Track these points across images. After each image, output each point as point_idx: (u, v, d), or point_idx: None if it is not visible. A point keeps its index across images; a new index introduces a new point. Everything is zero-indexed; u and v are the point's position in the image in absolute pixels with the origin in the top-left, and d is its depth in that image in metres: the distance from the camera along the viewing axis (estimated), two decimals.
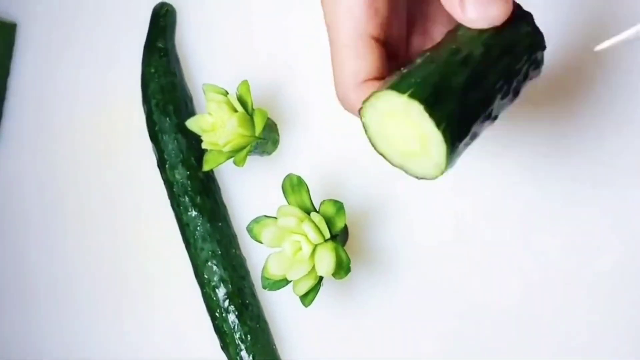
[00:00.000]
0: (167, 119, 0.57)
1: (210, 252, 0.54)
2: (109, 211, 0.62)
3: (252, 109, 0.52)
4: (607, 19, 0.48)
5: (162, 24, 0.60)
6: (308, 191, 0.49)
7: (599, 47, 0.35)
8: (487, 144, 0.50)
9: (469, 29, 0.36)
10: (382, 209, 0.52)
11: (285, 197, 0.49)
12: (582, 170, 0.48)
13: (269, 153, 0.56)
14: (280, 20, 0.58)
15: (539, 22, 0.37)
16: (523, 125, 0.50)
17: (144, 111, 0.59)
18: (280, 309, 0.55)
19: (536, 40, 0.37)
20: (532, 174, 0.49)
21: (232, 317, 0.53)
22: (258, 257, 0.55)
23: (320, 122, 0.55)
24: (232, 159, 0.52)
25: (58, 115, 0.65)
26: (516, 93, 0.37)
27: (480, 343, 0.49)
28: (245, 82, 0.52)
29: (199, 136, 0.53)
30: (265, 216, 0.49)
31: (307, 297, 0.48)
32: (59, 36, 0.66)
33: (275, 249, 0.48)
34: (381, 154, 0.37)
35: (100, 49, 0.64)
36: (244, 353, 0.52)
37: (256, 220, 0.49)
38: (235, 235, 0.56)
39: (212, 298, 0.54)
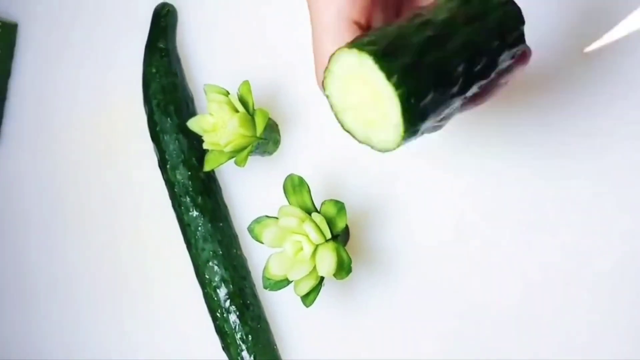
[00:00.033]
0: (168, 119, 0.57)
1: (211, 253, 0.54)
2: (109, 211, 0.62)
3: (253, 109, 0.52)
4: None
5: (163, 24, 0.60)
6: (309, 191, 0.49)
7: (588, 49, 0.35)
8: (488, 144, 0.50)
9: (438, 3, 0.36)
10: (383, 209, 0.52)
11: (287, 198, 0.49)
12: (583, 171, 0.48)
13: (270, 153, 0.56)
14: (281, 21, 0.58)
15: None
16: (524, 125, 0.50)
17: (145, 111, 0.59)
18: (281, 309, 0.55)
19: (510, 12, 0.37)
20: (532, 174, 0.49)
21: (233, 318, 0.53)
22: (259, 257, 0.55)
23: (321, 123, 0.55)
24: (233, 159, 0.52)
25: (59, 115, 0.65)
26: (492, 67, 0.36)
27: (480, 343, 0.49)
28: (246, 83, 0.52)
29: (200, 136, 0.53)
30: (267, 216, 0.49)
31: (308, 297, 0.48)
32: (60, 36, 0.66)
33: (277, 249, 0.48)
34: (347, 131, 0.36)
35: (101, 49, 0.64)
36: (245, 353, 0.52)
37: (257, 221, 0.49)
38: (237, 236, 0.56)
39: (213, 298, 0.54)
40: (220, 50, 0.60)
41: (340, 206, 0.48)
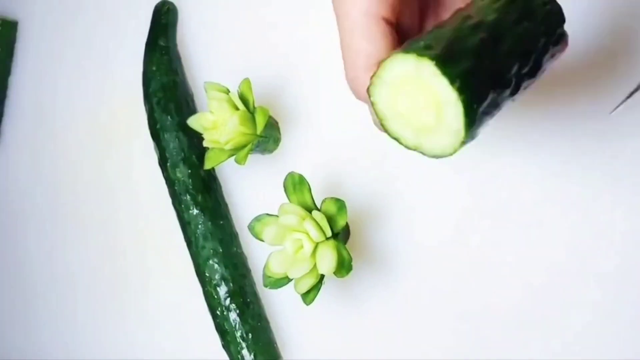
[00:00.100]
0: (169, 117, 0.57)
1: (211, 251, 0.54)
2: (109, 210, 0.62)
3: (254, 107, 0.52)
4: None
5: (163, 22, 0.60)
6: (309, 189, 0.49)
7: (613, 111, 0.34)
8: (489, 144, 0.50)
9: (480, 2, 0.35)
10: (384, 208, 0.52)
11: (287, 196, 0.49)
12: (585, 171, 0.48)
13: (271, 151, 0.56)
14: (282, 19, 0.58)
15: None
16: (526, 125, 0.50)
17: (145, 109, 0.59)
18: (282, 308, 0.55)
19: (553, 11, 0.37)
20: (534, 174, 0.49)
21: (233, 316, 0.53)
22: (259, 255, 0.55)
23: (322, 121, 0.55)
24: (234, 157, 0.52)
25: (59, 113, 0.65)
26: (537, 67, 0.36)
27: (481, 342, 0.49)
28: (246, 80, 0.52)
29: (201, 134, 0.53)
30: (267, 214, 0.49)
31: (308, 296, 0.48)
32: (60, 34, 0.66)
33: (277, 247, 0.48)
34: (395, 138, 0.35)
35: (101, 47, 0.64)
36: (245, 352, 0.52)
37: (257, 219, 0.49)
38: (237, 234, 0.56)
39: (214, 296, 0.54)
40: (220, 48, 0.60)
41: (340, 204, 0.48)
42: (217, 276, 0.54)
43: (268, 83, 0.57)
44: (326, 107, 0.55)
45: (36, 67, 0.67)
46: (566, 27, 0.37)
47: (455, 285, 0.50)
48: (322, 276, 0.47)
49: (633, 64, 0.47)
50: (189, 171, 0.56)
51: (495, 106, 0.34)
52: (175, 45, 0.60)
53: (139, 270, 0.60)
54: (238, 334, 0.53)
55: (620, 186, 0.47)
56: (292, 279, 0.47)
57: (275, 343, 0.54)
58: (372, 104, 0.35)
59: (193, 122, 0.53)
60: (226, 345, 0.53)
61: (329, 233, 0.47)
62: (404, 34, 0.39)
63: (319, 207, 0.48)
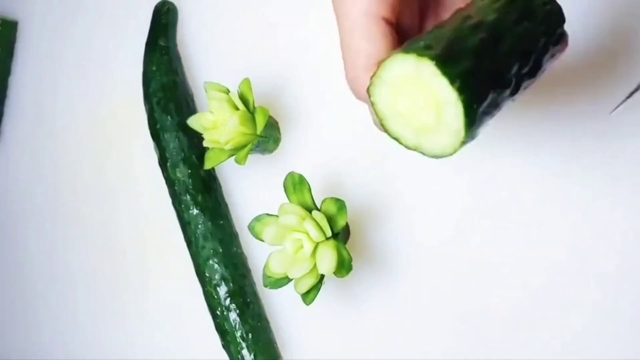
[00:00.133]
0: (169, 117, 0.57)
1: (211, 251, 0.54)
2: (109, 210, 0.62)
3: (254, 107, 0.52)
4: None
5: (163, 22, 0.60)
6: (309, 189, 0.48)
7: (613, 111, 0.34)
8: (489, 144, 0.50)
9: (480, 2, 0.36)
10: (384, 208, 0.52)
11: (287, 196, 0.49)
12: (585, 171, 0.48)
13: (271, 151, 0.56)
14: (282, 19, 0.58)
15: None
16: (526, 125, 0.50)
17: (145, 109, 0.59)
18: (282, 308, 0.55)
19: (553, 11, 0.37)
20: (534, 174, 0.49)
21: (233, 316, 0.53)
22: (259, 255, 0.55)
23: (322, 121, 0.55)
24: (234, 157, 0.52)
25: (59, 113, 0.65)
26: (537, 67, 0.36)
27: (481, 342, 0.49)
28: (246, 80, 0.52)
29: (201, 134, 0.53)
30: (267, 214, 0.49)
31: (308, 296, 0.47)
32: (60, 34, 0.66)
33: (277, 247, 0.48)
34: (395, 138, 0.35)
35: (101, 46, 0.64)
36: (245, 352, 0.52)
37: (257, 219, 0.49)
38: (237, 234, 0.56)
39: (214, 296, 0.54)
40: (220, 48, 0.60)
41: (340, 204, 0.48)
42: (217, 276, 0.54)
43: (268, 83, 0.57)
44: (326, 107, 0.55)
45: (36, 67, 0.67)
46: (566, 27, 0.37)
47: (455, 285, 0.50)
48: (322, 276, 0.47)
49: (633, 64, 0.47)
50: (189, 171, 0.56)
51: (495, 106, 0.34)
52: (175, 45, 0.60)
53: (139, 270, 0.60)
54: (238, 334, 0.53)
55: (621, 186, 0.47)
56: (292, 279, 0.47)
57: (275, 343, 0.54)
58: (372, 104, 0.35)
59: (193, 122, 0.53)
60: (226, 345, 0.53)
61: (329, 233, 0.47)
62: (404, 34, 0.39)
63: (319, 207, 0.48)
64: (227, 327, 0.53)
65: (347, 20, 0.37)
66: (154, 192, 0.59)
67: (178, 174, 0.56)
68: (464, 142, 0.33)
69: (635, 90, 0.34)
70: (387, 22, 0.37)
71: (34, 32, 0.67)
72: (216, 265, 0.54)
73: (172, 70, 0.58)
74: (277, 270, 0.48)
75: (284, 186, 0.49)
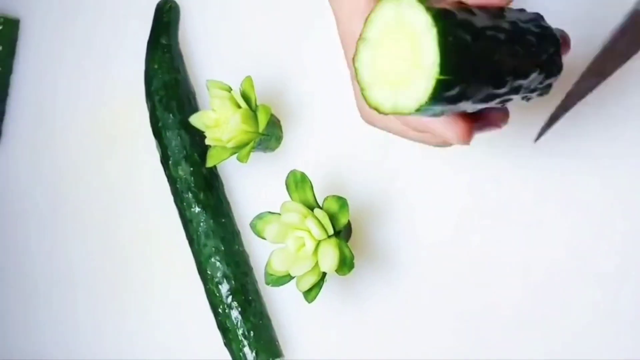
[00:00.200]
0: (171, 115, 0.57)
1: (213, 249, 0.54)
2: (111, 208, 0.62)
3: (256, 105, 0.52)
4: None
5: (165, 20, 0.60)
6: (311, 187, 0.49)
7: (537, 140, 0.34)
8: (489, 144, 0.50)
9: None
10: (386, 206, 0.52)
11: (289, 193, 0.49)
12: (585, 171, 0.48)
13: (273, 149, 0.56)
14: (284, 17, 0.58)
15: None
16: (526, 124, 0.50)
17: (148, 107, 0.59)
18: (283, 305, 0.55)
19: (549, 34, 0.37)
20: (534, 174, 0.49)
21: (235, 314, 0.53)
22: (261, 253, 0.55)
23: (324, 119, 0.55)
24: (236, 155, 0.52)
25: (60, 111, 0.65)
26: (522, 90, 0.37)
27: (481, 342, 0.49)
28: (248, 78, 0.52)
29: (203, 132, 0.53)
30: (269, 212, 0.49)
31: (310, 293, 0.47)
32: (62, 32, 0.66)
33: (279, 245, 0.48)
34: (374, 106, 0.34)
35: (103, 45, 0.64)
36: (247, 349, 0.52)
37: (259, 217, 0.49)
38: (239, 232, 0.56)
39: (216, 294, 0.54)
40: (222, 46, 0.60)
41: (342, 202, 0.48)
42: (218, 274, 0.54)
43: (270, 81, 0.57)
44: (328, 106, 0.55)
45: (38, 65, 0.67)
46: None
47: (456, 284, 0.50)
48: (324, 274, 0.47)
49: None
50: (191, 169, 0.56)
51: (479, 91, 0.34)
52: (177, 43, 0.60)
53: (141, 268, 0.60)
54: (240, 331, 0.53)
55: (621, 186, 0.47)
56: (294, 277, 0.47)
57: (277, 341, 0.54)
58: (356, 72, 0.34)
59: (195, 120, 0.53)
60: (228, 343, 0.53)
61: (330, 231, 0.47)
62: None
63: (321, 205, 0.48)
64: (228, 325, 0.53)
65: (345, 5, 0.37)
66: (155, 190, 0.59)
67: (180, 172, 0.56)
68: (440, 82, 0.32)
69: (556, 116, 0.34)
70: None
71: (35, 30, 0.67)
72: (218, 263, 0.54)
73: (174, 68, 0.58)
74: (279, 268, 0.48)
75: (286, 184, 0.49)
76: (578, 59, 0.39)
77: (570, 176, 0.48)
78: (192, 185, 0.56)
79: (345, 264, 0.47)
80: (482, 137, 0.45)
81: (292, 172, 0.48)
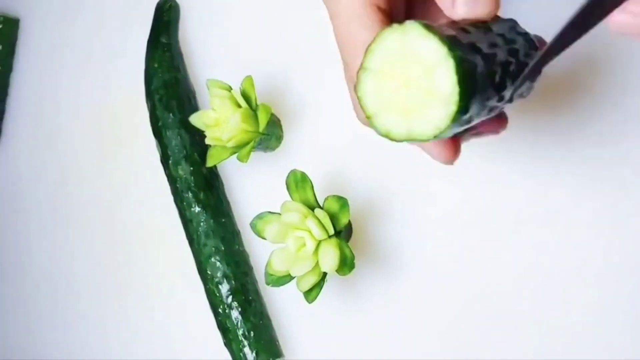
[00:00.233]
0: (171, 114, 0.57)
1: (213, 248, 0.54)
2: (111, 207, 0.62)
3: (256, 105, 0.52)
4: None
5: (165, 19, 0.60)
6: (312, 187, 0.48)
7: (514, 94, 0.34)
8: (489, 144, 0.50)
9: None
10: (387, 206, 0.52)
11: (289, 193, 0.49)
12: (585, 171, 0.48)
13: (273, 149, 0.56)
14: (284, 16, 0.58)
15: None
16: (525, 123, 0.50)
17: (148, 107, 0.59)
18: (284, 306, 0.55)
19: (527, 38, 0.38)
20: (534, 173, 0.49)
21: (235, 314, 0.53)
22: (261, 253, 0.55)
23: (324, 118, 0.55)
24: (236, 154, 0.52)
25: (60, 111, 0.65)
26: (521, 71, 0.36)
27: (481, 342, 0.49)
28: (249, 78, 0.52)
29: (203, 132, 0.53)
30: (269, 212, 0.49)
31: (310, 294, 0.47)
32: (62, 31, 0.66)
33: (279, 245, 0.48)
34: (384, 134, 0.33)
35: (103, 44, 0.64)
36: (247, 349, 0.52)
37: (260, 216, 0.49)
38: (239, 232, 0.56)
39: (216, 294, 0.54)
40: (222, 45, 0.60)
41: (343, 202, 0.48)
42: (219, 274, 0.54)
43: (270, 80, 0.57)
44: (329, 105, 0.55)
45: (38, 64, 0.67)
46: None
47: (457, 284, 0.50)
48: (325, 274, 0.47)
49: (615, 70, 0.47)
50: (191, 169, 0.56)
51: (483, 102, 0.33)
52: (177, 42, 0.60)
53: (141, 268, 0.60)
54: (240, 332, 0.52)
55: (621, 186, 0.47)
56: (294, 277, 0.47)
57: (277, 341, 0.54)
58: (359, 101, 0.33)
59: (195, 119, 0.53)
60: (228, 343, 0.53)
61: (331, 231, 0.47)
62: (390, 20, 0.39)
63: (321, 205, 0.48)
64: (228, 325, 0.53)
65: (342, 10, 0.37)
66: (155, 189, 0.59)
67: (180, 172, 0.56)
68: (458, 109, 0.31)
69: (529, 70, 0.34)
70: (381, 10, 0.37)
71: (35, 30, 0.67)
72: (218, 263, 0.54)
73: (174, 67, 0.58)
74: (279, 268, 0.47)
75: (287, 184, 0.49)
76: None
77: (571, 176, 0.48)
78: (192, 184, 0.55)
79: (346, 264, 0.47)
80: (482, 140, 0.46)
81: (293, 172, 0.48)
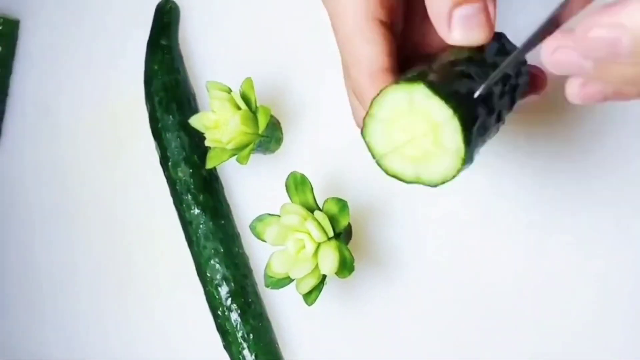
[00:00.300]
0: (170, 116, 0.57)
1: (213, 251, 0.54)
2: (110, 209, 0.62)
3: (256, 107, 0.52)
4: None
5: (165, 21, 0.60)
6: (312, 189, 0.48)
7: (477, 94, 0.35)
8: (490, 143, 0.50)
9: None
10: (386, 208, 0.52)
11: (289, 195, 0.49)
12: (584, 171, 0.48)
13: (272, 151, 0.56)
14: (284, 18, 0.58)
15: None
16: (525, 123, 0.50)
17: (147, 108, 0.59)
18: (283, 308, 0.55)
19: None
20: (534, 174, 0.49)
21: (234, 316, 0.53)
22: (261, 255, 0.55)
23: (324, 120, 0.55)
24: (235, 156, 0.52)
25: (61, 112, 0.65)
26: (513, 101, 0.38)
27: (481, 342, 0.49)
28: (248, 80, 0.52)
29: (202, 134, 0.53)
30: (269, 214, 0.49)
31: (310, 296, 0.47)
32: (62, 33, 0.66)
33: (279, 247, 0.48)
34: (393, 175, 0.35)
35: (103, 45, 0.64)
36: (246, 352, 0.52)
37: (259, 219, 0.49)
38: (238, 234, 0.56)
39: (215, 296, 0.54)
40: (222, 47, 0.59)
41: (342, 204, 0.48)
42: (218, 276, 0.54)
43: (270, 82, 0.56)
44: (328, 107, 0.55)
45: (37, 65, 0.67)
46: None
47: (457, 284, 0.50)
48: (324, 276, 0.47)
49: None
50: (191, 171, 0.56)
51: (486, 130, 0.35)
52: (177, 44, 0.60)
53: (140, 269, 0.60)
54: (239, 334, 0.52)
55: (621, 185, 0.47)
56: (293, 279, 0.47)
57: (277, 343, 0.54)
58: (367, 145, 0.35)
59: (195, 121, 0.53)
60: (227, 346, 0.53)
61: (331, 233, 0.47)
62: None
63: (321, 207, 0.48)
64: (228, 328, 0.53)
65: (344, 24, 0.37)
66: (155, 191, 0.59)
67: (179, 174, 0.56)
68: (464, 162, 0.33)
69: (496, 75, 0.35)
70: (383, 23, 0.37)
71: (35, 31, 0.67)
72: (217, 265, 0.54)
73: (174, 69, 0.58)
74: (278, 271, 0.47)
75: (286, 186, 0.49)
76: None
77: (571, 176, 0.48)
78: (192, 186, 0.55)
79: (346, 267, 0.47)
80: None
81: (292, 174, 0.48)
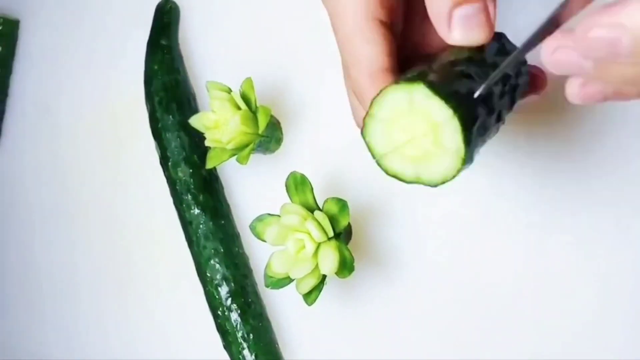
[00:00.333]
0: (170, 116, 0.57)
1: (212, 251, 0.54)
2: (110, 209, 0.62)
3: (256, 107, 0.52)
4: None
5: (165, 21, 0.60)
6: (312, 189, 0.48)
7: (477, 94, 0.35)
8: (490, 143, 0.50)
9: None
10: (386, 208, 0.52)
11: (289, 195, 0.49)
12: (584, 171, 0.48)
13: (272, 151, 0.56)
14: (284, 18, 0.58)
15: None
16: (525, 123, 0.50)
17: (147, 108, 0.59)
18: (283, 308, 0.55)
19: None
20: (534, 174, 0.49)
21: (234, 316, 0.53)
22: (261, 255, 0.55)
23: (324, 120, 0.55)
24: (235, 156, 0.52)
25: (61, 112, 0.65)
26: (512, 101, 0.38)
27: (481, 343, 0.49)
28: (248, 80, 0.52)
29: (202, 134, 0.53)
30: (269, 214, 0.49)
31: (310, 296, 0.47)
32: (62, 33, 0.66)
33: (279, 247, 0.48)
34: (393, 175, 0.35)
35: (103, 45, 0.64)
36: (246, 352, 0.52)
37: (259, 219, 0.49)
38: (238, 234, 0.56)
39: (215, 296, 0.54)
40: (222, 47, 0.59)
41: (342, 204, 0.48)
42: (218, 276, 0.54)
43: (270, 82, 0.56)
44: (328, 107, 0.55)
45: (37, 65, 0.67)
46: None
47: (457, 285, 0.50)
48: (324, 276, 0.47)
49: None
50: (191, 171, 0.56)
51: (485, 130, 0.35)
52: (177, 44, 0.60)
53: (140, 269, 0.60)
54: (239, 334, 0.52)
55: (621, 185, 0.47)
56: (293, 279, 0.47)
57: (277, 343, 0.54)
58: (367, 145, 0.35)
59: (195, 121, 0.53)
60: (227, 346, 0.53)
61: (331, 233, 0.47)
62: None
63: (321, 207, 0.48)
64: (228, 328, 0.53)
65: (344, 24, 0.37)
66: (155, 191, 0.59)
67: (179, 174, 0.56)
68: (464, 162, 0.33)
69: (496, 74, 0.35)
70: (383, 23, 0.37)
71: (35, 31, 0.67)
72: (217, 265, 0.54)
73: (174, 69, 0.58)
74: (278, 271, 0.47)
75: (286, 186, 0.49)
76: None
77: (571, 176, 0.48)
78: (192, 186, 0.55)
79: (346, 267, 0.47)
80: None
81: (292, 174, 0.48)
